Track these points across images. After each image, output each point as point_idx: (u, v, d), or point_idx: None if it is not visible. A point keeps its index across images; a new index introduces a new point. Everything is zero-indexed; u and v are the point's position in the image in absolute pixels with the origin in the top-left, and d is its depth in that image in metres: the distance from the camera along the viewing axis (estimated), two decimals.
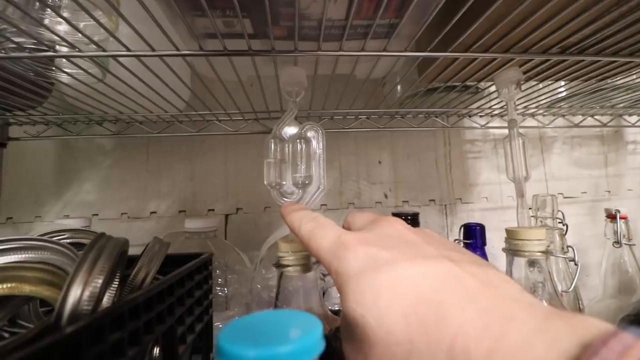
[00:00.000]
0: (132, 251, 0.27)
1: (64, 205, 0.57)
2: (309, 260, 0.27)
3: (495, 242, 0.53)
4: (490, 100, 0.51)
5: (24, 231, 0.56)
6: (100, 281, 0.18)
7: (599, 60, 0.36)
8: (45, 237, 0.24)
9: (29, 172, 0.57)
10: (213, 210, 0.59)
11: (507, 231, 0.31)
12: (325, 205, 0.60)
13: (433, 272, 0.14)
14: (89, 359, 0.16)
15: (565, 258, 0.40)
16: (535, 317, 0.12)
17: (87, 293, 0.18)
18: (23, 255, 0.24)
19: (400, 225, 0.18)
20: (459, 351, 0.12)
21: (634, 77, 0.44)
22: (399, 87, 0.47)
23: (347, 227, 0.21)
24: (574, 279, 0.37)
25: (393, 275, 0.14)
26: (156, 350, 0.27)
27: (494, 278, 0.14)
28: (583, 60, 0.35)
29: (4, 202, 0.56)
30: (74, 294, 0.17)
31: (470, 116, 0.59)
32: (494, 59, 0.34)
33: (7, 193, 0.56)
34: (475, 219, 0.62)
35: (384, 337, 0.13)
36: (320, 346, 0.12)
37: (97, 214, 0.57)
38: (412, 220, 0.43)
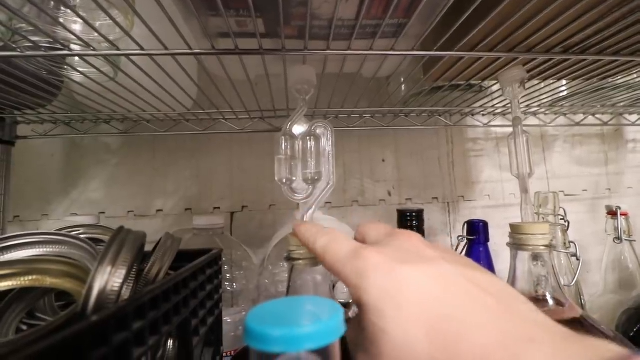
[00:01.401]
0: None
1: (71, 203, 0.58)
2: None
3: (497, 238, 0.54)
4: (493, 99, 0.52)
5: (31, 229, 0.56)
6: (123, 272, 0.19)
7: (600, 60, 0.36)
8: (63, 232, 0.25)
9: (36, 171, 0.58)
10: (219, 208, 0.60)
11: (512, 226, 0.32)
12: (330, 202, 0.61)
13: (453, 291, 0.15)
14: (114, 346, 0.16)
15: (567, 253, 0.41)
16: (553, 339, 0.13)
17: (111, 284, 0.18)
18: (42, 249, 0.24)
19: (418, 240, 0.18)
20: None
21: (635, 76, 0.45)
22: (403, 86, 0.48)
23: (360, 239, 0.21)
24: (575, 274, 0.38)
25: (415, 290, 0.15)
26: (169, 344, 0.28)
27: (511, 297, 0.15)
28: (585, 60, 0.36)
29: (12, 200, 0.56)
30: (99, 284, 0.18)
31: (472, 115, 0.59)
32: (498, 58, 0.35)
33: (14, 191, 0.57)
34: (477, 216, 0.63)
35: (406, 353, 0.14)
36: (341, 329, 0.13)
37: (103, 212, 0.58)
38: (417, 216, 0.44)
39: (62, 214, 0.57)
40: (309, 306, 0.14)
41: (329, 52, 0.31)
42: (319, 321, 0.12)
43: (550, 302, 0.30)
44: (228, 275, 0.44)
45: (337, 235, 0.19)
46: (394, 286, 0.15)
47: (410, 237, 0.18)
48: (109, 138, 0.59)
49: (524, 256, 0.32)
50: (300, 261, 0.28)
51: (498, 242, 0.55)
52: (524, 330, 0.13)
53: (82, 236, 0.31)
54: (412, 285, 0.15)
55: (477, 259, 0.48)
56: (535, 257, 0.31)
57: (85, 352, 0.14)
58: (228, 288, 0.42)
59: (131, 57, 0.31)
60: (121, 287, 0.18)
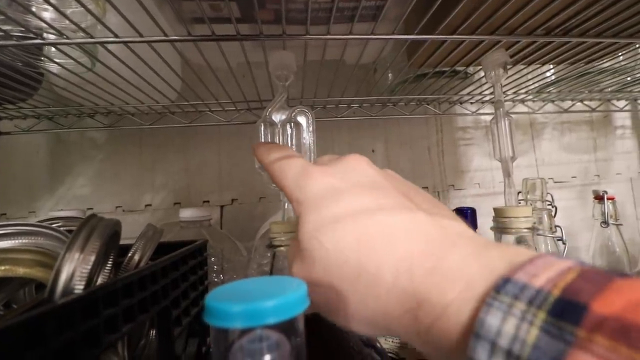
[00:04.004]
0: (128, 243, 0.27)
1: (57, 199, 0.57)
2: None
3: (487, 226, 0.53)
4: (481, 86, 0.52)
5: None
6: (92, 258, 0.18)
7: (584, 42, 0.36)
8: (38, 223, 0.25)
9: (22, 168, 0.57)
10: (208, 201, 0.59)
11: (495, 210, 0.32)
12: None
13: (388, 205, 0.15)
14: (83, 331, 0.16)
15: (553, 237, 0.41)
16: (474, 245, 0.13)
17: (79, 270, 0.18)
18: (17, 241, 0.24)
19: (365, 162, 0.18)
20: (403, 270, 0.13)
21: (621, 58, 0.45)
22: (390, 74, 0.48)
23: None
24: None
25: (351, 205, 0.15)
26: (152, 333, 0.28)
27: (444, 215, 0.16)
28: (569, 42, 0.36)
29: None
30: (67, 270, 0.18)
31: (461, 103, 0.59)
32: (482, 42, 0.35)
33: (0, 189, 0.56)
34: (467, 204, 0.63)
35: (336, 257, 0.14)
36: (304, 303, 0.13)
37: (91, 208, 0.57)
38: None
39: (49, 210, 0.56)
40: (272, 284, 0.14)
41: (308, 37, 0.30)
42: (279, 295, 0.12)
43: None
44: (216, 267, 0.44)
45: (291, 154, 0.19)
46: (330, 197, 0.16)
47: (358, 160, 0.18)
48: (95, 133, 0.58)
49: (508, 240, 0.32)
50: (282, 248, 0.28)
51: (488, 230, 0.55)
52: (448, 238, 0.14)
53: (61, 228, 0.30)
54: (347, 196, 0.16)
55: None
56: (519, 241, 0.31)
57: (50, 336, 0.14)
58: (215, 279, 0.42)
59: (108, 46, 0.31)
60: (91, 274, 0.18)
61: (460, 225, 0.15)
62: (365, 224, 0.15)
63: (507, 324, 0.10)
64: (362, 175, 0.17)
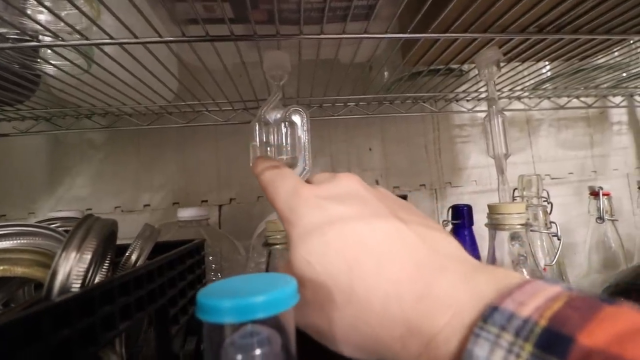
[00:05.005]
0: (127, 243, 0.27)
1: (57, 200, 0.57)
2: None
3: (483, 223, 0.54)
4: (477, 83, 0.52)
5: None
6: (88, 258, 0.19)
7: (577, 39, 0.36)
8: (36, 224, 0.25)
9: (21, 169, 0.57)
10: (206, 201, 0.60)
11: (489, 206, 0.32)
12: None
13: (380, 228, 0.15)
14: (80, 329, 0.16)
15: (548, 233, 0.42)
16: (464, 269, 0.13)
17: (76, 269, 0.18)
18: (16, 241, 0.24)
19: (357, 182, 0.18)
20: (393, 296, 0.13)
21: (616, 54, 0.45)
22: (385, 72, 0.48)
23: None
24: (556, 253, 0.38)
25: (343, 229, 0.15)
26: (150, 331, 0.28)
27: (435, 237, 0.15)
28: (562, 39, 0.36)
29: None
30: (64, 269, 0.18)
31: (457, 101, 0.59)
32: (475, 40, 0.35)
33: None
34: (464, 201, 0.63)
35: (327, 281, 0.14)
36: (294, 299, 0.13)
37: (90, 209, 0.58)
38: None
39: (48, 211, 0.56)
40: (262, 280, 0.14)
41: (302, 36, 0.30)
42: (269, 291, 0.13)
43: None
44: (214, 265, 0.44)
45: (284, 172, 0.20)
46: (322, 220, 0.16)
47: (350, 179, 0.18)
48: (93, 134, 0.58)
49: (502, 236, 0.32)
50: (278, 246, 0.28)
51: (485, 227, 0.56)
52: (437, 261, 0.14)
53: (59, 229, 0.31)
54: (342, 224, 0.15)
55: (462, 243, 0.48)
56: (513, 237, 0.32)
57: (46, 333, 0.15)
58: (214, 278, 0.42)
59: (103, 48, 0.31)
60: (87, 272, 0.18)
61: (450, 245, 0.15)
62: (354, 247, 0.15)
63: (494, 356, 0.10)
64: (353, 196, 0.17)
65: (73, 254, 0.18)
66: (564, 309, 0.10)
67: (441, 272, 0.13)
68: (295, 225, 0.16)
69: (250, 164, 0.30)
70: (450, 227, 0.48)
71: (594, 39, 0.37)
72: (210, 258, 0.43)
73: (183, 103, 0.49)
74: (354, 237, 0.15)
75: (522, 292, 0.11)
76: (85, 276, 0.18)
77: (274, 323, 0.13)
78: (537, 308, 0.10)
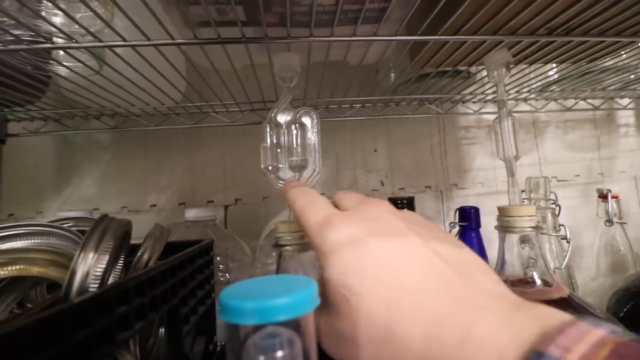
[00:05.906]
0: (134, 242, 0.27)
1: (64, 200, 0.58)
2: (306, 240, 0.28)
3: (490, 226, 0.53)
4: (483, 85, 0.52)
5: None
6: (106, 258, 0.19)
7: (586, 41, 0.36)
8: (50, 223, 0.25)
9: (29, 169, 0.58)
10: (212, 201, 0.60)
11: (499, 209, 0.32)
12: (324, 194, 0.61)
13: (415, 263, 0.15)
14: (98, 329, 0.17)
15: (557, 236, 0.41)
16: (503, 308, 0.13)
17: (93, 269, 0.18)
18: (30, 241, 0.24)
19: (385, 209, 0.18)
20: (433, 338, 0.13)
21: (624, 56, 0.45)
22: (392, 74, 0.48)
23: (335, 205, 0.22)
24: (566, 256, 0.38)
25: (376, 263, 0.15)
26: (161, 331, 0.28)
27: (472, 269, 0.15)
28: (571, 41, 0.36)
29: (5, 198, 0.57)
30: (82, 270, 0.18)
31: (463, 102, 0.59)
32: (484, 42, 0.35)
33: (7, 190, 0.57)
34: (470, 203, 0.63)
35: (364, 320, 0.14)
36: (315, 301, 0.13)
37: (97, 208, 0.58)
38: (408, 204, 0.44)
39: (56, 211, 0.57)
40: (283, 282, 0.14)
41: (312, 39, 0.30)
42: (291, 293, 0.13)
43: (538, 282, 0.31)
44: (222, 266, 0.44)
45: (316, 198, 0.20)
46: (358, 259, 0.15)
47: (378, 206, 0.18)
48: (101, 134, 0.59)
49: (512, 239, 0.32)
50: (288, 247, 0.28)
51: (491, 230, 0.55)
52: (477, 299, 0.14)
53: (72, 229, 0.31)
54: (374, 258, 0.15)
55: (469, 245, 0.48)
56: (523, 240, 0.32)
57: (66, 333, 0.15)
58: (221, 279, 0.43)
59: (115, 49, 0.31)
60: (104, 273, 0.19)
61: (489, 279, 0.15)
62: (391, 286, 0.14)
63: None
64: (384, 226, 0.17)
65: (91, 255, 0.18)
66: (610, 358, 0.10)
67: (480, 311, 0.13)
68: (329, 257, 0.16)
69: (262, 166, 0.30)
70: (457, 229, 0.48)
71: (603, 41, 0.37)
72: (218, 258, 0.43)
73: (190, 104, 0.49)
74: (388, 273, 0.15)
75: (566, 337, 0.11)
76: (103, 276, 0.18)
77: (294, 325, 0.13)
78: (583, 357, 0.10)
